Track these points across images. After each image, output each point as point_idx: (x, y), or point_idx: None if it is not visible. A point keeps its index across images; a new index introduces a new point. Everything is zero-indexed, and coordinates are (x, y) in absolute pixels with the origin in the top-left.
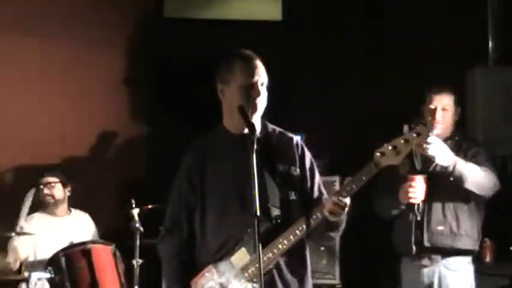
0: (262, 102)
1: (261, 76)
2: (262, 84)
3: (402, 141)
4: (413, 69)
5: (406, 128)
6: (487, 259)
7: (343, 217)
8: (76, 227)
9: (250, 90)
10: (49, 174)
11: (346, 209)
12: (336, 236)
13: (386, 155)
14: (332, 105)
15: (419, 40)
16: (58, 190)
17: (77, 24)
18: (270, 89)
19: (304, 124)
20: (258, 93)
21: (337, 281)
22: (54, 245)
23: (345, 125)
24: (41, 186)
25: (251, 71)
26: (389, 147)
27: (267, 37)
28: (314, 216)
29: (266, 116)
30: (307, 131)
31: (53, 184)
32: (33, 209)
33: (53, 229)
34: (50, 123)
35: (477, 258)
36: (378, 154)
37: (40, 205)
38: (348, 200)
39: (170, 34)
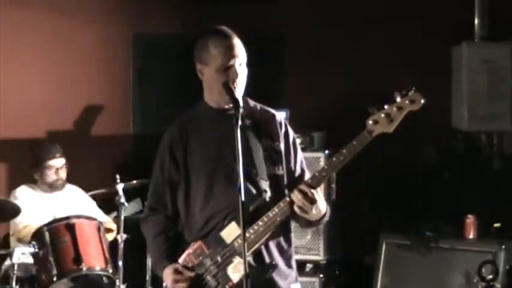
0: (241, 81)
1: (239, 56)
2: (240, 64)
3: (395, 108)
4: (401, 44)
5: (398, 95)
6: (470, 235)
7: (320, 210)
8: (70, 201)
9: (229, 72)
10: (60, 155)
11: (317, 204)
12: (320, 224)
13: (380, 123)
14: (318, 81)
15: (407, 15)
16: (63, 172)
17: None
18: (256, 63)
19: (289, 100)
20: (236, 75)
21: (321, 257)
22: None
23: (331, 101)
24: (48, 167)
25: (228, 52)
26: (382, 115)
27: (256, 10)
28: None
29: (251, 91)
30: (293, 107)
31: (62, 167)
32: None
33: (48, 203)
34: (36, 96)
35: (460, 234)
36: (370, 122)
37: (37, 181)
38: (318, 197)
39: (156, 8)
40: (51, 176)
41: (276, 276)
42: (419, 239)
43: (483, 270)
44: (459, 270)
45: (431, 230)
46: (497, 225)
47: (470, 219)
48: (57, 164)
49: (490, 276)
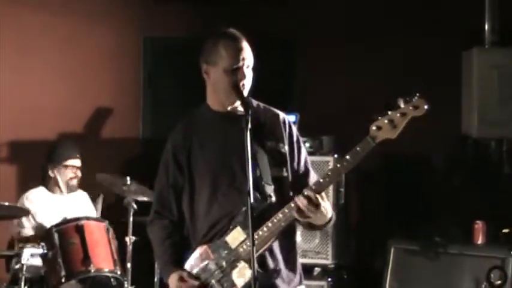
0: (247, 84)
1: (247, 58)
2: (247, 67)
3: (399, 114)
4: (411, 50)
5: (401, 101)
6: (479, 241)
7: (325, 215)
8: (79, 205)
9: (236, 74)
10: (78, 156)
11: (321, 208)
12: (324, 228)
13: (383, 128)
14: (327, 85)
15: (417, 21)
16: (79, 173)
17: None
18: (265, 67)
19: (298, 104)
20: (244, 77)
21: (329, 261)
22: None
23: (340, 105)
24: (69, 168)
25: (238, 53)
26: (386, 121)
27: (265, 13)
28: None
29: (261, 95)
30: (302, 111)
31: (80, 167)
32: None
33: (57, 206)
34: (46, 99)
35: (469, 240)
36: (374, 128)
37: (49, 180)
38: (323, 202)
39: (167, 11)
40: (69, 174)
41: (279, 281)
42: (428, 244)
43: (492, 275)
44: (468, 275)
45: (440, 235)
46: (506, 230)
47: (479, 225)
48: (77, 164)
49: (499, 282)
